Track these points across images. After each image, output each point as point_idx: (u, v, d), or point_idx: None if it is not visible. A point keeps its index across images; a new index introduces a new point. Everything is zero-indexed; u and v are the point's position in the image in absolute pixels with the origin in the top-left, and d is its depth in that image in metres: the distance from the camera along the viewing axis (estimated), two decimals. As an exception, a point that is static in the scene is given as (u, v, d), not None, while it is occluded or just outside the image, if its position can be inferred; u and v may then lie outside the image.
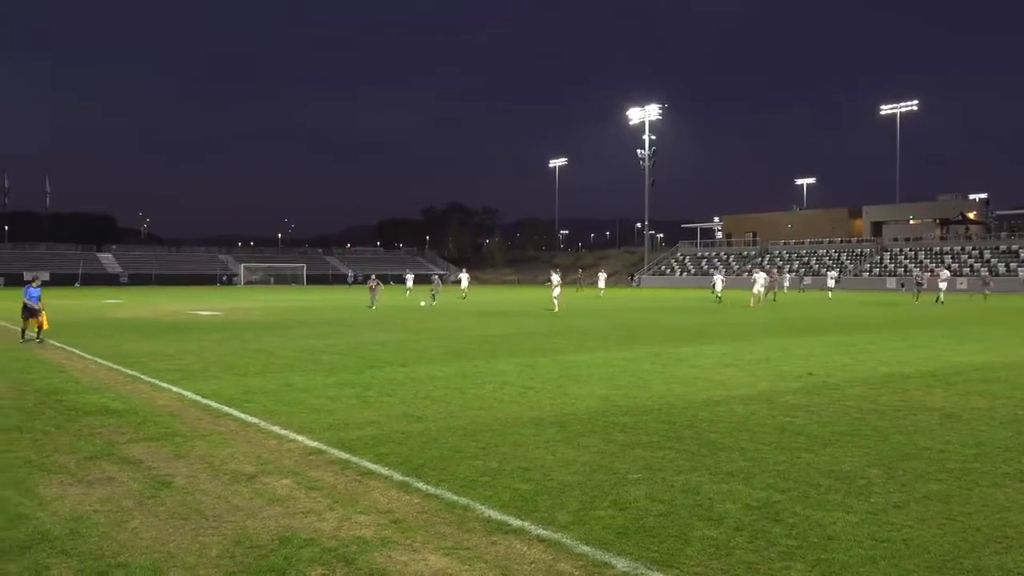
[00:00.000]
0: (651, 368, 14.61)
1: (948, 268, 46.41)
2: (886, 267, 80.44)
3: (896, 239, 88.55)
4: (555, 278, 35.54)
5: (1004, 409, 10.36)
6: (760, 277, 39.38)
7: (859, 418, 9.73)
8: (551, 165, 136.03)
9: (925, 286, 37.77)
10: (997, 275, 69.31)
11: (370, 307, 35.84)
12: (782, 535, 5.46)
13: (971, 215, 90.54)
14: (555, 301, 34.10)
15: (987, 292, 48.57)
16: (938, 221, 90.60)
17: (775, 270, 58.38)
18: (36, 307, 19.14)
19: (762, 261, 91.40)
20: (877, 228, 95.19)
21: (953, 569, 4.86)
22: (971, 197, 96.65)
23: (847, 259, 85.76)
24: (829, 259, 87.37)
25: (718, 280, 45.62)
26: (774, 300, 43.53)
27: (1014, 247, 76.10)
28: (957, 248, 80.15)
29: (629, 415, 9.89)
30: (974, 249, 78.43)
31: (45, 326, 19.40)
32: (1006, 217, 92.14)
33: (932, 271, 40.53)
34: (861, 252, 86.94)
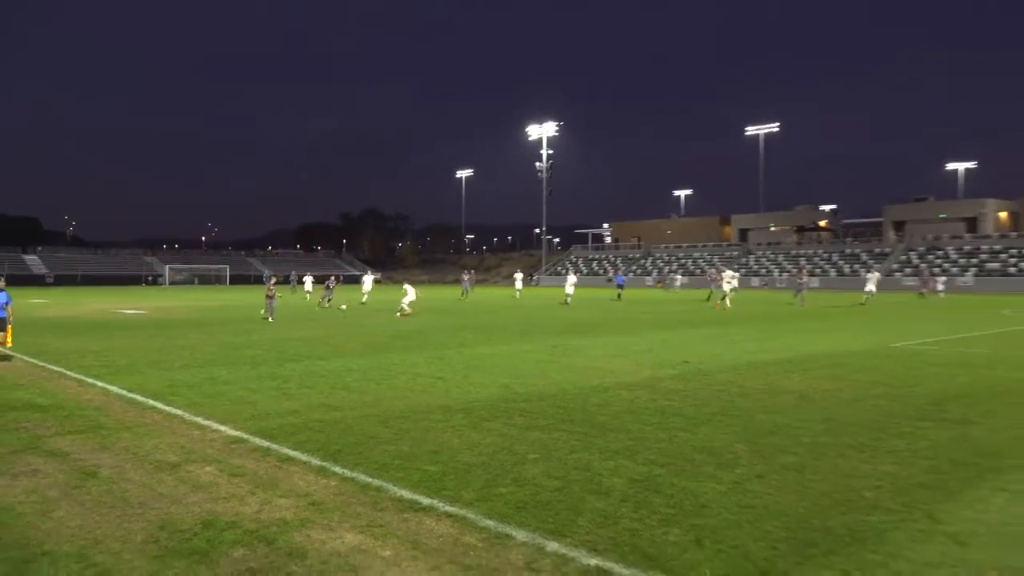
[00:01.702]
0: (548, 359, 14.75)
1: (806, 271, 48.36)
2: (751, 268, 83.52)
3: (760, 244, 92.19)
4: (572, 278, 38.10)
5: (848, 390, 10.90)
6: (727, 274, 35.88)
7: (728, 400, 10.07)
8: (458, 175, 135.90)
9: (804, 287, 39.26)
10: (842, 275, 73.10)
11: (265, 318, 25.01)
12: (662, 504, 5.61)
13: (823, 223, 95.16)
14: (568, 297, 36.46)
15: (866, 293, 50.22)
16: (795, 228, 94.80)
17: (713, 271, 58.22)
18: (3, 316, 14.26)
19: (645, 263, 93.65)
20: (744, 234, 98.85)
21: (806, 529, 5.09)
22: (822, 208, 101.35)
23: (719, 261, 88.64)
24: (703, 261, 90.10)
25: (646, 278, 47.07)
26: (707, 301, 43.00)
27: (858, 251, 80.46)
28: (811, 252, 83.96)
29: (528, 401, 9.97)
30: (825, 253, 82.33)
31: (8, 342, 14.35)
32: (851, 225, 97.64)
33: (802, 272, 42.23)
34: (730, 255, 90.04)
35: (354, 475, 6.40)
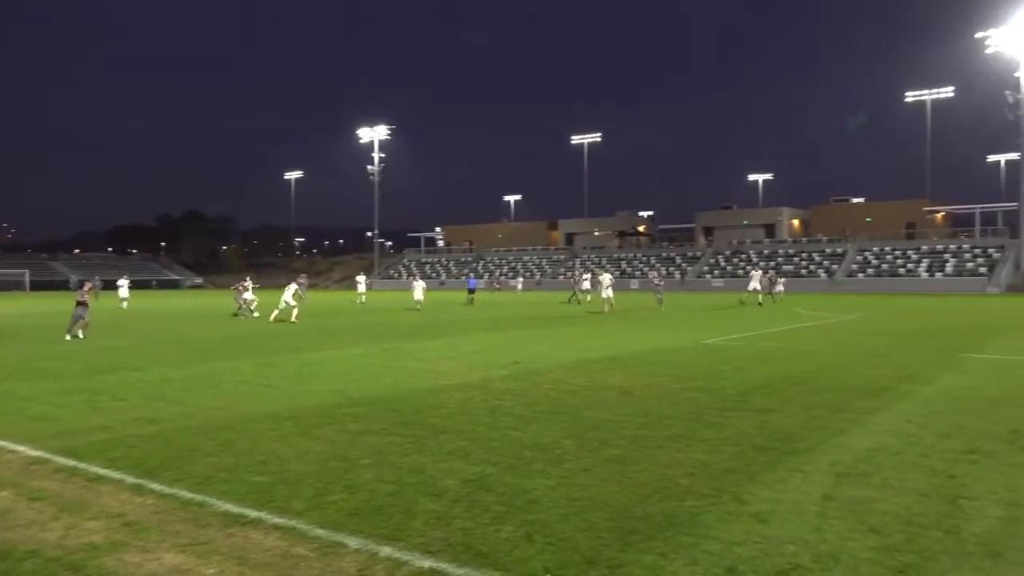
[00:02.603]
0: (381, 362, 14.57)
1: (659, 273, 50.82)
2: (577, 271, 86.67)
3: (585, 247, 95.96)
4: (606, 278, 32.78)
5: (665, 385, 11.55)
6: (605, 278, 33.89)
7: (556, 398, 10.37)
8: (287, 177, 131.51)
9: (661, 289, 41.04)
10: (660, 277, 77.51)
11: (76, 333, 20.10)
12: (494, 502, 5.68)
13: (641, 228, 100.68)
14: (607, 303, 31.49)
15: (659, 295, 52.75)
16: (617, 233, 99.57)
17: (598, 272, 57.05)
18: None
19: (477, 267, 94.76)
20: (570, 238, 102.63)
21: (628, 517, 5.34)
22: (641, 214, 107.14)
23: (547, 264, 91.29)
24: (533, 264, 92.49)
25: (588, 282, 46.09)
26: (577, 301, 42.98)
27: (673, 255, 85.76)
28: (631, 255, 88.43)
29: (361, 406, 9.79)
30: (644, 256, 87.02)
31: None
32: (667, 230, 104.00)
33: (657, 274, 44.41)
34: (557, 259, 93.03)
35: (173, 491, 6.00)
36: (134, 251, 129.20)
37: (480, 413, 9.28)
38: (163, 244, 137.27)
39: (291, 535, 5.02)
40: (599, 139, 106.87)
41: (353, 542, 4.88)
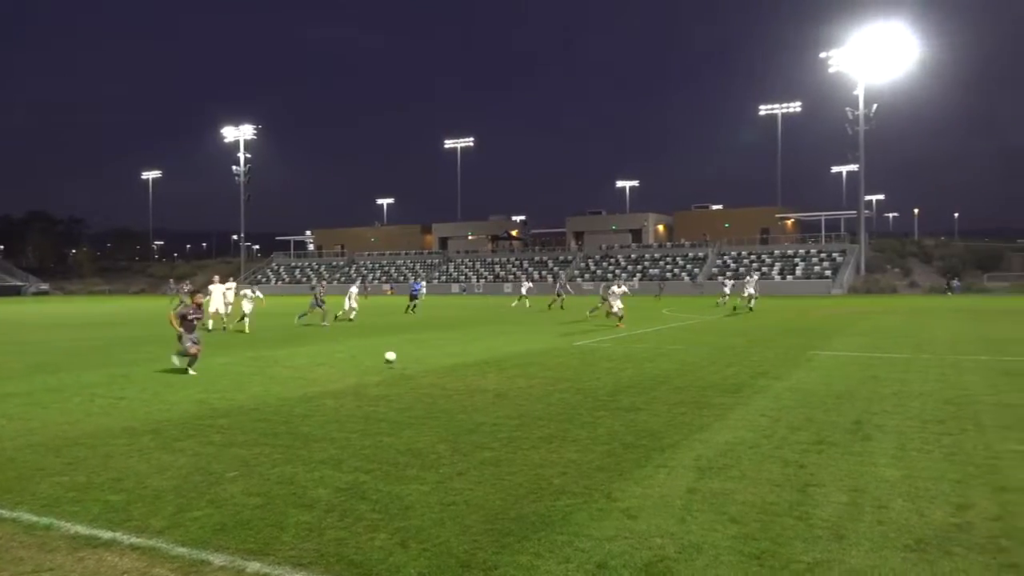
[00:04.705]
0: (248, 371, 14.03)
1: (528, 277, 51.58)
2: (451, 275, 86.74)
3: (459, 251, 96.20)
4: (621, 288, 26.79)
5: (539, 386, 11.75)
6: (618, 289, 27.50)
7: (430, 402, 10.33)
8: (144, 177, 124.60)
9: (563, 291, 41.54)
10: (534, 280, 78.75)
11: None
12: (368, 511, 5.59)
13: (514, 233, 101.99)
14: (616, 314, 25.64)
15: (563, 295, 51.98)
16: (490, 237, 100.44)
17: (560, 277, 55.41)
18: None
19: (350, 271, 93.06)
20: (444, 242, 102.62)
21: (502, 519, 5.39)
22: (514, 218, 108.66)
23: (421, 268, 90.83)
24: (407, 268, 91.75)
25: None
26: (560, 307, 41.65)
27: (545, 258, 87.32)
28: (505, 259, 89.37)
29: (226, 417, 9.38)
30: (517, 260, 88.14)
31: None
32: (539, 235, 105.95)
33: (561, 278, 44.92)
34: (432, 262, 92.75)
35: (15, 515, 5.53)
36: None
37: (353, 420, 9.10)
38: (1, 247, 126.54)
39: (150, 555, 4.75)
40: (472, 143, 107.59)
41: (218, 559, 4.67)
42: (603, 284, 37.26)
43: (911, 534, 5.05)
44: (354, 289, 31.17)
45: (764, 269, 73.35)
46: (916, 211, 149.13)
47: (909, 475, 6.48)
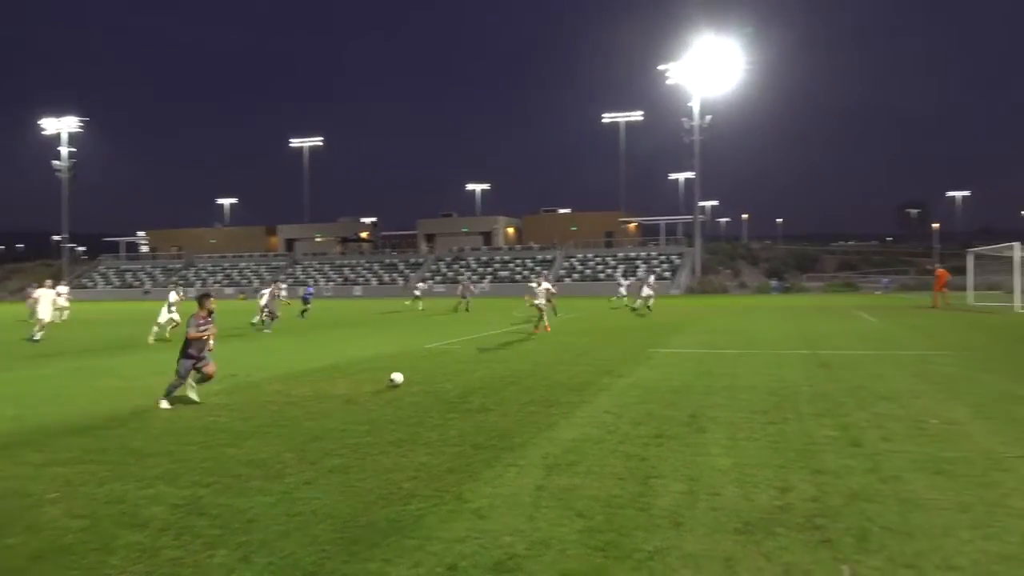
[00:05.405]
0: (72, 383, 12.97)
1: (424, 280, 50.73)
2: (299, 278, 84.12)
3: (306, 254, 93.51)
4: (543, 285, 24.11)
5: (388, 391, 11.60)
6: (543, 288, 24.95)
7: (276, 410, 9.98)
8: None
9: (468, 294, 40.84)
10: (383, 284, 77.94)
11: None
12: (207, 527, 5.32)
13: (364, 235, 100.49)
14: (539, 306, 23.56)
15: (412, 297, 49.06)
16: (339, 239, 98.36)
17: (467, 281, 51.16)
18: None
19: (188, 274, 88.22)
20: (290, 244, 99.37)
21: (352, 527, 5.29)
22: (364, 220, 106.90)
23: (266, 271, 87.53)
24: (250, 272, 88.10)
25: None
26: (466, 309, 40.54)
27: (395, 261, 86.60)
28: (354, 262, 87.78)
29: (46, 434, 8.62)
30: (367, 263, 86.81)
31: None
32: (390, 237, 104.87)
33: (466, 281, 44.20)
34: (277, 265, 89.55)
35: None
36: None
37: (191, 432, 8.63)
38: None
39: (-47, 591, 4.29)
40: (320, 143, 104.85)
41: (36, 589, 4.29)
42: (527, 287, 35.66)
43: (740, 518, 5.42)
44: (173, 296, 23.24)
45: (608, 271, 76.26)
46: (745, 217, 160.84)
47: (738, 463, 6.94)
